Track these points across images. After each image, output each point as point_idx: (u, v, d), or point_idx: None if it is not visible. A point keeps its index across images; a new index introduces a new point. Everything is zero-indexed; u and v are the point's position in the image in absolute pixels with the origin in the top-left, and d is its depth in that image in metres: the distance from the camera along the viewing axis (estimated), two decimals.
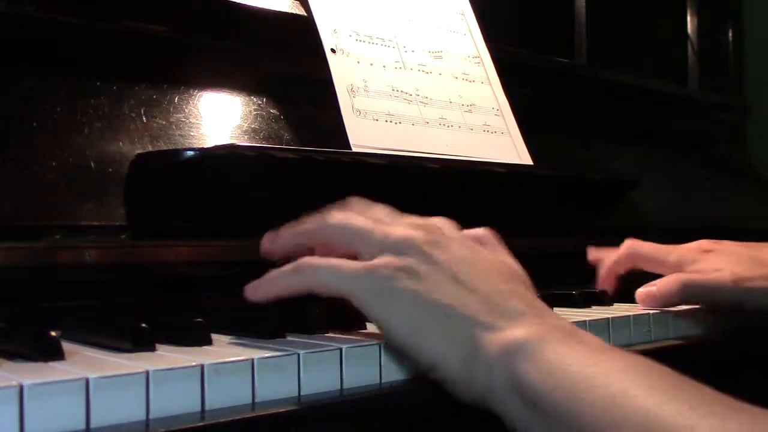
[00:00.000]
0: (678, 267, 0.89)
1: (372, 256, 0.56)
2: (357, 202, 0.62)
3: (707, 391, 0.48)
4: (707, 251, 0.90)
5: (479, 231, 0.64)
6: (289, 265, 0.59)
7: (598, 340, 0.54)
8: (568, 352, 0.50)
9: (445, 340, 0.53)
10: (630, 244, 0.95)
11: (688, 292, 0.84)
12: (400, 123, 0.90)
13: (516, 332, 0.52)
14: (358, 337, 0.58)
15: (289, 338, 0.60)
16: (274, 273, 0.59)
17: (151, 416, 0.46)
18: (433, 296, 0.54)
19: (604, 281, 0.96)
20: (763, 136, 1.77)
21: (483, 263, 0.58)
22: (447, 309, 0.54)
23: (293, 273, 0.58)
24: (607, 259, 0.96)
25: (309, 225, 0.61)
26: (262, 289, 0.60)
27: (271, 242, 0.63)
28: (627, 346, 0.75)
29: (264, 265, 0.62)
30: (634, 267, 0.96)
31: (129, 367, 0.47)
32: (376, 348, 0.56)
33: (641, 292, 0.86)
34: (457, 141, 0.94)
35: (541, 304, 0.57)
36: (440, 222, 0.60)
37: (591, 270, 0.98)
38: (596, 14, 1.43)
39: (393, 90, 0.92)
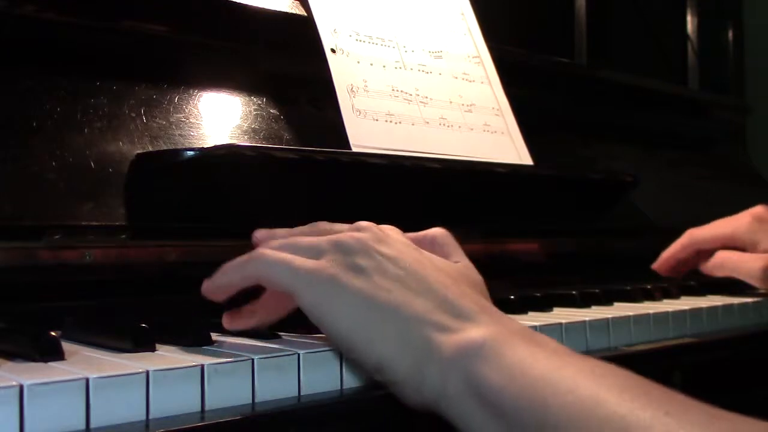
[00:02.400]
0: (738, 240, 0.99)
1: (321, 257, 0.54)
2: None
3: (678, 397, 0.46)
4: (764, 221, 0.99)
5: (434, 231, 0.63)
6: (244, 255, 0.56)
7: (558, 343, 0.52)
8: (529, 355, 0.49)
9: (395, 341, 0.51)
10: (688, 232, 1.04)
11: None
12: (400, 123, 0.90)
13: (473, 333, 0.50)
14: None
15: (289, 338, 0.60)
16: (228, 264, 0.57)
17: (151, 416, 0.46)
18: (382, 294, 0.52)
19: (662, 264, 1.04)
20: (763, 136, 1.77)
21: (430, 263, 0.56)
22: (396, 307, 0.51)
23: (247, 262, 0.56)
24: (670, 247, 1.04)
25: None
26: (215, 281, 0.57)
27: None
28: (627, 346, 0.75)
29: None
30: (695, 252, 1.03)
31: (129, 367, 0.47)
32: None
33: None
34: (457, 141, 0.94)
35: (494, 309, 0.55)
36: (387, 227, 0.59)
37: (590, 269, 0.98)
38: (596, 14, 1.43)
39: (393, 90, 0.92)
